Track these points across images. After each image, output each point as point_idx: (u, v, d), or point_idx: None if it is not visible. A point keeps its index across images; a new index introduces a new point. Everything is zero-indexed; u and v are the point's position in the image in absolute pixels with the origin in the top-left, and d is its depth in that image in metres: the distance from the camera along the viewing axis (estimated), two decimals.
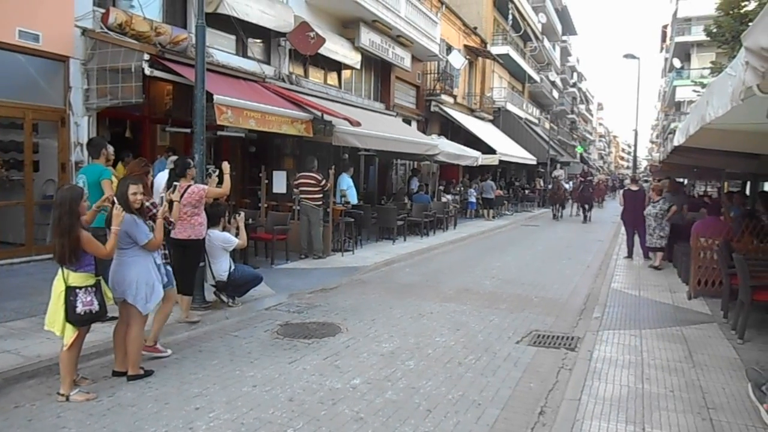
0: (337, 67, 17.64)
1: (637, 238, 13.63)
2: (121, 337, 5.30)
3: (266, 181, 12.39)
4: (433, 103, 24.88)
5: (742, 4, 18.46)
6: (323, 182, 11.87)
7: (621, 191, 15.36)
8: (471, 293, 9.48)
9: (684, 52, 45.67)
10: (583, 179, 25.50)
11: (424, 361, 6.03)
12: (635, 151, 36.61)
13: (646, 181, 37.05)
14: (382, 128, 15.51)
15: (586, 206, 24.28)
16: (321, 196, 11.92)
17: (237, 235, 7.85)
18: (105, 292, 4.90)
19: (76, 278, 4.64)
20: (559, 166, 25.96)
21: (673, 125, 45.33)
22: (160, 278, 5.38)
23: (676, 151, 8.86)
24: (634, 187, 13.87)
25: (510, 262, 12.94)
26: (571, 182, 32.72)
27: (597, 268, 12.72)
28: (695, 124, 5.16)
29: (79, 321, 4.67)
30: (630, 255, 13.51)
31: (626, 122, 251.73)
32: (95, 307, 4.69)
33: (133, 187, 5.26)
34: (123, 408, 4.69)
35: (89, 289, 4.68)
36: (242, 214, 8.22)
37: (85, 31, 9.70)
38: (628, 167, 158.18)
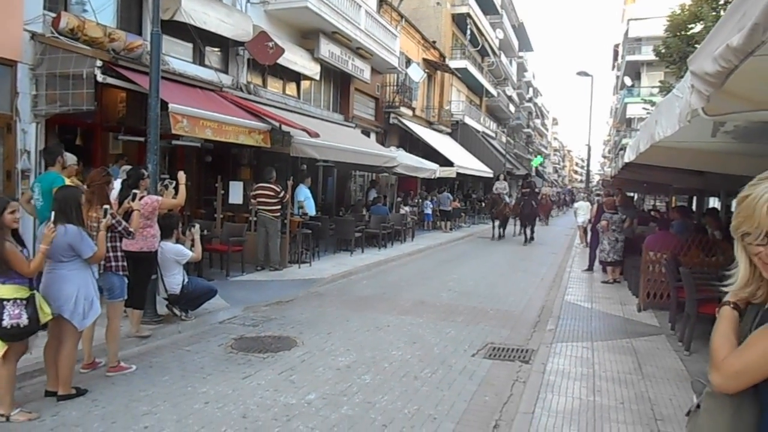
0: (296, 77, 17.56)
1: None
2: (53, 355, 5.04)
3: (222, 192, 12.19)
4: (392, 115, 24.97)
5: (689, 26, 19.22)
6: (281, 193, 11.76)
7: (596, 206, 15.15)
8: (428, 306, 9.50)
9: (634, 70, 47.23)
10: (524, 192, 21.16)
11: (381, 375, 6.00)
12: (588, 165, 37.56)
13: (598, 195, 38.10)
14: (340, 139, 15.49)
15: (527, 225, 20.55)
16: (279, 207, 11.81)
17: (192, 247, 7.68)
18: (41, 306, 4.65)
19: (6, 290, 4.43)
20: (502, 177, 23.47)
21: (624, 141, 46.70)
22: (98, 293, 5.19)
23: (627, 167, 9.12)
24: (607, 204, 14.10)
25: (466, 275, 13.07)
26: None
27: (551, 280, 12.95)
28: (645, 142, 5.32)
29: (7, 335, 4.43)
30: (591, 267, 13.78)
31: (580, 137, 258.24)
32: (23, 320, 4.45)
33: (84, 196, 5.11)
34: (67, 428, 4.51)
35: (19, 301, 4.46)
36: (197, 226, 8.07)
37: (34, 36, 9.40)
38: (581, 181, 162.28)
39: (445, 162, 24.94)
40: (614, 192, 13.85)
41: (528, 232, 20.54)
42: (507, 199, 22.63)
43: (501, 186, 22.38)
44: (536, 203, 22.21)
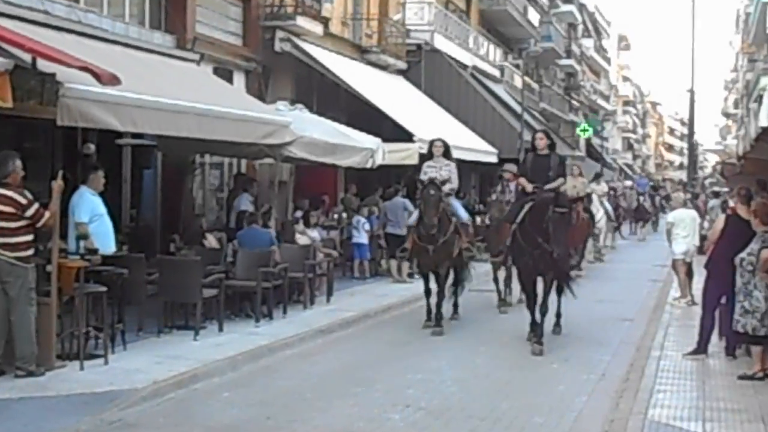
0: None
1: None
2: None
3: None
4: (281, 35, 24.90)
5: None
6: (32, 208, 11.57)
7: (722, 217, 15.14)
8: None
9: None
10: (533, 190, 16.24)
11: None
12: (691, 131, 38.36)
13: (716, 195, 38.91)
14: (169, 90, 15.41)
15: (546, 273, 16.34)
16: (30, 238, 11.64)
17: None
18: None
19: None
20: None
21: (764, 80, 47.99)
22: None
23: None
24: (743, 212, 14.08)
25: (444, 369, 13.20)
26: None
27: (621, 377, 13.13)
28: None
29: None
30: (703, 348, 14.07)
31: (674, 74, 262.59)
32: None
33: None
34: None
35: None
36: None
37: None
38: (680, 165, 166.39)
39: (397, 133, 24.97)
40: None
41: (544, 289, 16.18)
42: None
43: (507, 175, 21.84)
44: (565, 221, 16.80)
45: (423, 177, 17.53)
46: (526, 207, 15.52)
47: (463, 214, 18.50)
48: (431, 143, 18.54)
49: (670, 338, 15.75)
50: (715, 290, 13.95)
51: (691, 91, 39.75)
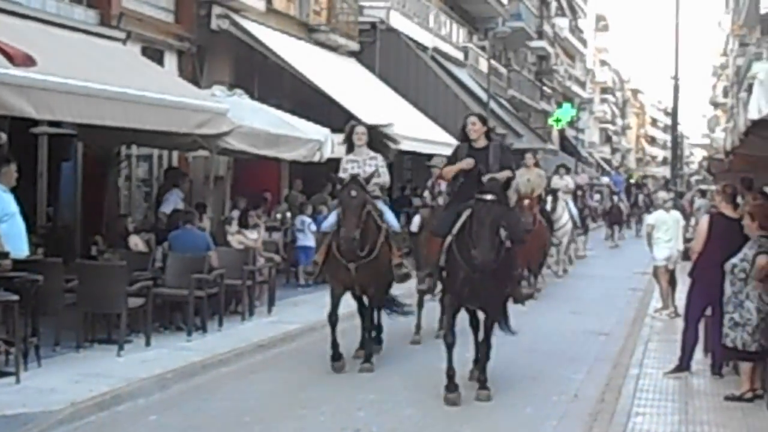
0: None
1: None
2: None
3: None
4: (218, 11, 24.84)
5: None
6: None
7: (705, 218, 15.07)
8: None
9: None
10: (480, 192, 14.12)
11: None
12: (675, 123, 38.56)
13: (703, 194, 39.15)
14: (91, 73, 15.35)
15: (487, 302, 14.39)
16: None
17: None
18: None
19: None
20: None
21: (756, 67, 48.26)
22: None
23: (762, 127, 9.36)
24: (729, 212, 14.21)
25: (398, 390, 13.23)
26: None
27: (595, 397, 13.26)
28: None
29: None
30: (686, 365, 14.17)
31: (657, 58, 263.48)
32: None
33: None
34: None
35: None
36: None
37: None
38: (664, 160, 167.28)
39: (347, 122, 24.95)
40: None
41: (484, 322, 14.23)
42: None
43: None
44: (514, 233, 14.39)
45: (342, 174, 15.65)
46: (465, 214, 13.19)
47: (394, 222, 16.35)
48: (351, 130, 16.18)
49: (650, 354, 15.82)
50: (700, 300, 14.00)
51: (676, 78, 39.83)
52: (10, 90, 12.63)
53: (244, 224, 21.05)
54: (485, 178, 12.88)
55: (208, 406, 12.28)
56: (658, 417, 11.79)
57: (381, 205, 15.82)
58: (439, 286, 14.03)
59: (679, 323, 15.97)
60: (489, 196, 12.58)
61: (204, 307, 16.74)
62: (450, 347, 13.08)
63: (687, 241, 20.18)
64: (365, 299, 15.68)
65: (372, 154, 15.87)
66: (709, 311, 13.89)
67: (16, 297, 12.77)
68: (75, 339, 14.80)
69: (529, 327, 17.22)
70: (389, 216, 15.87)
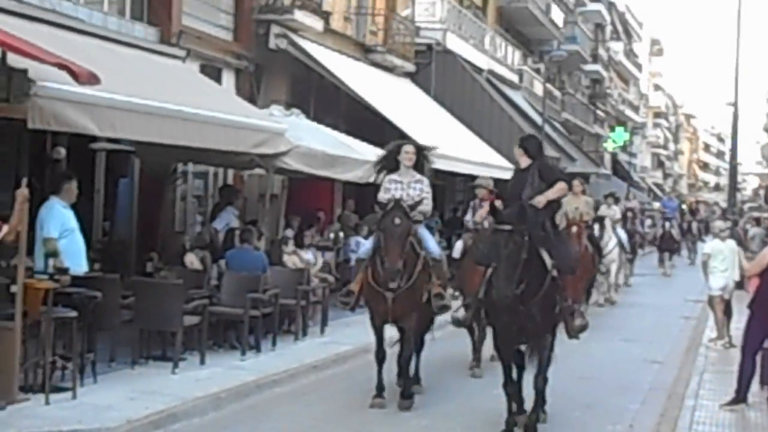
0: None
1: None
2: None
3: None
4: (276, 30, 24.93)
5: None
6: None
7: (766, 251, 14.78)
8: None
9: None
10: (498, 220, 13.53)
11: None
12: (735, 150, 38.17)
13: (758, 222, 38.78)
14: (152, 90, 15.38)
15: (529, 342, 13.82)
16: None
17: None
18: None
19: None
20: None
21: None
22: None
23: None
24: None
25: (453, 416, 13.17)
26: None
27: (651, 428, 13.28)
28: None
29: None
30: (743, 398, 14.07)
31: (711, 83, 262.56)
32: None
33: None
34: None
35: None
36: None
37: None
38: (716, 186, 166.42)
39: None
40: None
41: (537, 359, 13.15)
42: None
43: (481, 191, 18.93)
44: (561, 262, 13.30)
45: (384, 196, 14.44)
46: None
47: (435, 248, 15.03)
48: (398, 148, 14.94)
49: (705, 385, 15.72)
50: (759, 331, 13.97)
51: (735, 105, 39.60)
52: (73, 107, 12.70)
53: (299, 244, 21.10)
54: (523, 201, 12.14)
55: (263, 427, 12.32)
56: None
57: (421, 230, 14.61)
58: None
59: (735, 354, 15.93)
60: (506, 227, 11.56)
61: (258, 327, 16.81)
62: (510, 397, 12.33)
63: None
64: (409, 332, 14.39)
65: (417, 177, 14.70)
66: (767, 343, 13.89)
67: (74, 313, 12.87)
68: (130, 355, 14.95)
69: (580, 355, 17.16)
70: (430, 243, 14.72)
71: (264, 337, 17.10)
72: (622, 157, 74.60)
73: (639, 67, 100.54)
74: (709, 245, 21.84)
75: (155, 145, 16.14)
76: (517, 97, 42.17)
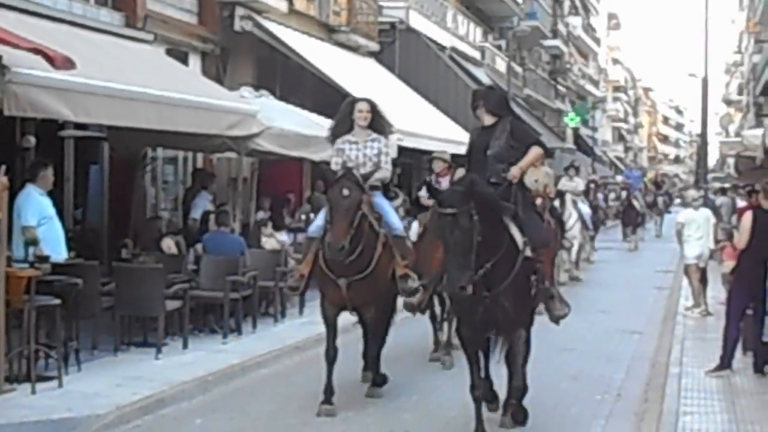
0: None
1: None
2: None
3: None
4: (241, 12, 24.84)
5: None
6: None
7: (748, 215, 14.70)
8: None
9: None
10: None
11: None
12: (705, 121, 38.25)
13: (723, 192, 39.00)
14: (124, 75, 15.36)
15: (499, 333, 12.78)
16: None
17: None
18: None
19: None
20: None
21: None
22: None
23: None
24: None
25: (443, 391, 13.22)
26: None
27: (638, 397, 13.35)
28: None
29: None
30: (727, 364, 14.19)
31: (668, 55, 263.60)
32: None
33: None
34: None
35: None
36: None
37: None
38: (675, 159, 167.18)
39: None
40: None
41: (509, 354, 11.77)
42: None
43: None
44: (535, 238, 11.79)
45: (337, 160, 12.81)
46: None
47: (397, 222, 13.21)
48: (351, 107, 13.06)
49: (687, 353, 15.91)
50: (743, 297, 14.09)
51: (705, 78, 39.79)
52: (48, 93, 12.62)
53: (276, 226, 21.09)
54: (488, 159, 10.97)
55: (252, 408, 12.30)
56: (707, 416, 11.83)
57: (380, 202, 12.86)
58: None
59: (712, 321, 16.14)
60: (448, 210, 9.96)
61: (239, 309, 16.85)
62: (478, 402, 10.81)
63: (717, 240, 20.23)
64: (371, 320, 13.29)
65: (374, 135, 12.97)
66: (750, 310, 13.97)
67: (57, 301, 12.87)
68: (112, 342, 14.89)
69: (561, 326, 17.11)
70: (391, 217, 12.98)
71: (244, 319, 17.13)
72: (584, 132, 74.83)
73: (597, 41, 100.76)
74: (683, 214, 21.95)
75: (124, 130, 16.17)
76: (480, 73, 42.12)
